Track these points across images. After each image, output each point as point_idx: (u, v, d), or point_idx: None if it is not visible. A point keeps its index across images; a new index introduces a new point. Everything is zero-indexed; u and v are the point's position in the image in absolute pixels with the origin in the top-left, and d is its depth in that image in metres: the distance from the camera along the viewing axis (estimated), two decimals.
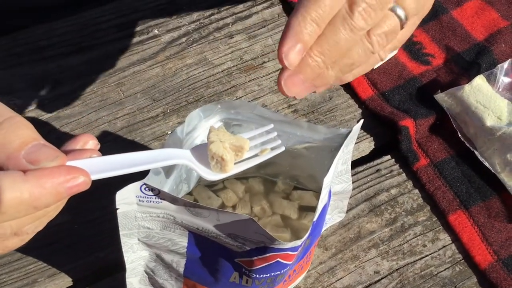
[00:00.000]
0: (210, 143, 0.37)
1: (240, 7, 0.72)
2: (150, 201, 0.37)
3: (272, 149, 0.40)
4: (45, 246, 0.53)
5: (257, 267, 0.40)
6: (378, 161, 0.61)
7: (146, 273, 0.45)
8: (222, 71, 0.66)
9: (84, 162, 0.32)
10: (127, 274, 0.45)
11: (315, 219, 0.39)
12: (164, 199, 0.37)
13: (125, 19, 0.70)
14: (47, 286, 0.52)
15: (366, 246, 0.55)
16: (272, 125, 0.42)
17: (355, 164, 0.61)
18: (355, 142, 0.61)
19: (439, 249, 0.55)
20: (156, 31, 0.69)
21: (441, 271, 0.54)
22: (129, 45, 0.68)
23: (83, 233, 0.54)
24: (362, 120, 0.44)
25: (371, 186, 0.59)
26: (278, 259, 0.39)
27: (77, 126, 0.61)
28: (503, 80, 0.64)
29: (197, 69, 0.67)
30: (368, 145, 0.62)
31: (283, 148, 0.41)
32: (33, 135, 0.31)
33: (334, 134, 0.43)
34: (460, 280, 0.54)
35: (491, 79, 0.64)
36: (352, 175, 0.59)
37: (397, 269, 0.54)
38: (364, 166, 0.60)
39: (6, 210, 0.30)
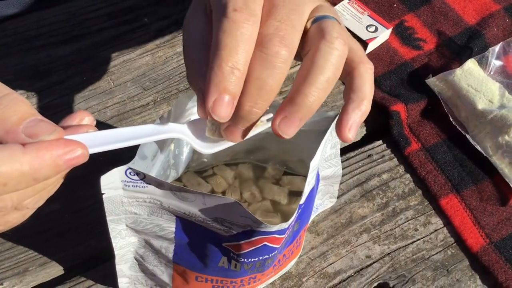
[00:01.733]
0: None
1: None
2: (136, 186, 0.37)
3: (267, 120, 0.40)
4: (36, 235, 0.53)
5: (245, 251, 0.39)
6: (370, 146, 0.61)
7: (136, 259, 0.45)
8: None
9: (81, 136, 0.32)
10: (117, 261, 0.45)
11: (301, 202, 0.39)
12: (149, 184, 0.37)
13: (114, 7, 0.70)
14: (38, 275, 0.52)
15: (358, 231, 0.55)
16: None
17: (347, 149, 0.60)
18: None
19: (431, 233, 0.55)
20: (146, 19, 0.69)
21: (433, 255, 0.54)
22: (119, 34, 0.67)
23: (74, 222, 0.54)
24: None
25: (363, 172, 0.59)
26: (266, 243, 0.39)
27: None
28: (495, 63, 0.63)
29: None
30: (360, 131, 0.62)
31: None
32: (31, 111, 0.31)
33: (321, 117, 0.43)
34: (452, 263, 0.54)
35: (483, 63, 0.63)
36: (343, 161, 0.59)
37: (388, 253, 0.54)
38: (356, 152, 0.60)
39: (7, 182, 0.30)
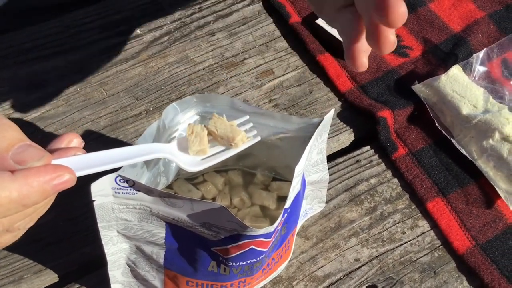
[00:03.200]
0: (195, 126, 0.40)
1: (221, 5, 0.73)
2: (126, 193, 0.38)
3: (254, 136, 0.42)
4: (31, 243, 0.54)
5: (233, 255, 0.41)
6: (358, 152, 0.62)
7: (128, 265, 0.46)
8: (203, 69, 0.67)
9: (69, 160, 0.34)
10: (109, 267, 0.46)
11: (286, 206, 0.40)
12: (139, 190, 0.38)
13: (107, 20, 0.71)
14: (34, 282, 0.53)
15: (347, 235, 0.56)
16: (247, 117, 0.43)
17: (335, 155, 0.62)
18: (335, 135, 0.63)
19: (418, 236, 0.56)
20: (138, 30, 0.70)
21: (420, 257, 0.55)
22: (111, 45, 0.69)
23: (68, 230, 0.55)
24: (333, 110, 0.45)
25: (351, 177, 0.60)
26: (252, 246, 0.40)
27: (61, 126, 0.62)
28: (479, 69, 0.65)
29: (179, 67, 0.68)
30: (348, 137, 0.63)
31: (258, 138, 0.42)
32: (19, 136, 0.33)
33: (307, 123, 0.44)
34: (439, 265, 0.55)
35: (467, 69, 0.65)
36: (332, 167, 0.60)
37: (377, 256, 0.55)
38: (344, 157, 0.61)
39: None
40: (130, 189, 0.38)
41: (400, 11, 0.32)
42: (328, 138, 0.62)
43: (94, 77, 0.66)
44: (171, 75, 0.67)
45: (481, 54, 0.65)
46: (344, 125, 0.64)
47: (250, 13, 0.72)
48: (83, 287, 0.52)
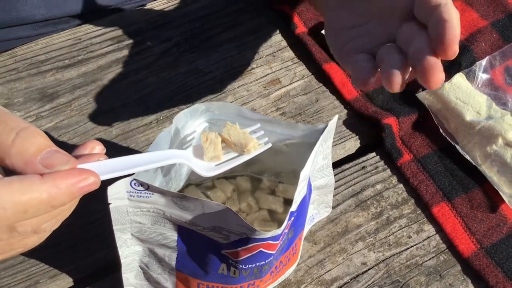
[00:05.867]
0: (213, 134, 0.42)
1: (229, 17, 0.75)
2: (140, 196, 0.40)
3: (265, 144, 0.44)
4: (47, 248, 0.56)
5: (242, 257, 0.42)
6: (364, 158, 0.63)
7: (141, 268, 0.48)
8: (212, 78, 0.69)
9: (93, 164, 0.36)
10: (123, 270, 0.47)
11: (293, 209, 0.41)
12: (153, 194, 0.39)
13: (118, 32, 0.73)
14: (49, 287, 0.54)
15: (353, 239, 0.57)
16: (258, 125, 0.45)
17: (342, 162, 0.63)
18: (341, 142, 0.64)
19: (424, 240, 0.58)
20: (149, 42, 0.72)
21: (426, 261, 0.56)
22: (123, 56, 0.71)
23: (83, 236, 0.57)
24: (337, 116, 0.46)
25: (358, 183, 0.61)
26: (261, 249, 0.41)
27: (75, 135, 0.64)
28: (482, 76, 0.66)
29: (189, 77, 0.69)
30: (354, 144, 0.65)
31: (270, 145, 0.44)
32: (47, 143, 0.35)
33: (311, 130, 0.46)
34: (444, 268, 0.56)
35: (470, 76, 0.66)
36: (338, 173, 0.62)
37: (383, 260, 0.56)
38: (350, 164, 0.63)
39: (27, 209, 0.33)
40: (145, 192, 0.39)
41: (438, 79, 0.39)
42: (334, 145, 0.64)
43: (106, 87, 0.68)
44: (181, 85, 0.69)
45: (484, 62, 0.67)
46: (350, 132, 0.65)
47: (256, 25, 0.74)
48: None
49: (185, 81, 0.69)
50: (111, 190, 0.39)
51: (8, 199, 0.33)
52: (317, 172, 0.50)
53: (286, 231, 0.44)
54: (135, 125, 0.65)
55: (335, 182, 0.59)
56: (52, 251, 0.56)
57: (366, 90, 0.42)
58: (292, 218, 0.43)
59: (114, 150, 0.63)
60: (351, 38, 0.47)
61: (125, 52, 0.71)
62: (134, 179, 0.38)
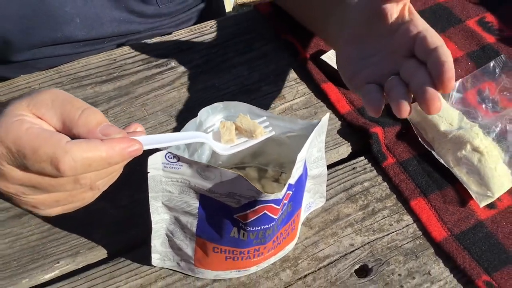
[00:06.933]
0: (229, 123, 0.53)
1: (242, 44, 0.88)
2: (172, 167, 0.51)
3: (270, 132, 0.55)
4: (86, 225, 0.67)
5: (250, 219, 0.53)
6: (354, 161, 0.74)
7: (167, 235, 0.59)
8: (226, 94, 0.81)
9: (137, 137, 0.47)
10: (152, 236, 0.58)
11: (291, 181, 0.52)
12: (182, 165, 0.51)
13: (148, 54, 0.86)
14: (87, 256, 0.65)
15: (343, 226, 0.68)
16: (265, 117, 0.57)
17: (336, 164, 0.74)
18: (336, 147, 0.76)
19: (403, 227, 0.68)
20: (173, 63, 0.85)
21: (404, 244, 0.66)
22: (151, 74, 0.83)
23: (117, 216, 0.68)
24: (328, 114, 0.58)
25: (348, 180, 0.72)
26: (265, 211, 0.52)
27: None
28: (456, 95, 0.78)
29: (206, 93, 0.82)
30: (346, 149, 0.76)
31: (273, 133, 0.55)
32: (104, 119, 0.47)
33: (308, 124, 0.57)
34: (420, 250, 0.66)
35: (446, 95, 0.78)
36: (332, 172, 0.73)
37: (368, 243, 0.66)
38: (343, 165, 0.74)
39: (91, 163, 0.44)
40: (176, 164, 0.51)
41: (438, 107, 0.50)
42: (329, 150, 0.75)
43: (137, 99, 0.80)
44: (199, 99, 0.81)
45: (457, 83, 0.78)
46: (343, 139, 0.77)
47: (266, 51, 0.87)
48: (127, 260, 0.64)
49: (202, 96, 0.81)
50: (150, 160, 0.50)
51: (78, 154, 0.44)
52: (312, 163, 0.61)
53: (286, 201, 0.54)
54: (160, 130, 0.77)
55: (330, 180, 0.71)
56: (90, 228, 0.67)
57: (377, 116, 0.53)
58: (291, 192, 0.54)
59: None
60: (360, 69, 0.58)
61: (153, 71, 0.84)
62: (168, 152, 0.50)
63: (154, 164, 0.51)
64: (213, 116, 0.58)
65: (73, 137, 0.46)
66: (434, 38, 0.52)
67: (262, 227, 0.54)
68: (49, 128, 0.46)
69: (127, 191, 0.69)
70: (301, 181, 0.57)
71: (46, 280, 0.63)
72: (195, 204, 0.54)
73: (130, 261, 0.64)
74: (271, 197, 0.51)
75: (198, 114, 0.57)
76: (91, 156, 0.44)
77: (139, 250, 0.65)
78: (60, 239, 0.66)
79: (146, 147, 0.47)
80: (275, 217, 0.54)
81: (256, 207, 0.52)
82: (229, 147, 0.53)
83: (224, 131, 0.53)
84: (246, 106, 0.58)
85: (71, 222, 0.67)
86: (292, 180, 0.53)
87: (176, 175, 0.52)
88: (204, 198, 0.54)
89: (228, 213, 0.54)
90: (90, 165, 0.45)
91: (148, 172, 0.51)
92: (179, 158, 0.50)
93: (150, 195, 0.54)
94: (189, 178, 0.52)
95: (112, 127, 0.47)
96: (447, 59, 0.50)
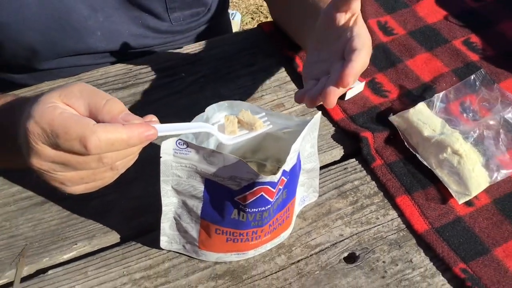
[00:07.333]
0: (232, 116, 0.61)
1: (247, 58, 0.96)
2: (182, 153, 0.59)
3: (268, 125, 0.63)
4: (102, 213, 0.74)
5: (249, 201, 0.60)
6: (346, 162, 0.82)
7: (175, 218, 0.66)
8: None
9: (153, 124, 0.55)
10: (162, 218, 0.65)
11: (285, 168, 0.60)
12: (190, 151, 0.58)
13: (160, 65, 0.95)
14: (102, 239, 0.72)
15: (334, 218, 0.75)
16: (264, 113, 0.65)
17: (329, 165, 0.82)
18: (329, 150, 0.83)
19: (388, 221, 0.75)
20: (183, 74, 0.93)
21: (389, 235, 0.73)
22: (163, 83, 0.92)
23: (129, 206, 0.75)
24: (320, 112, 0.65)
25: (340, 179, 0.80)
26: (262, 193, 0.59)
27: None
28: (439, 105, 0.85)
29: (212, 100, 0.88)
30: (339, 152, 0.83)
31: (270, 126, 0.63)
32: (124, 108, 0.55)
33: (302, 121, 0.65)
34: (403, 241, 0.73)
35: (431, 105, 0.86)
36: (325, 172, 0.80)
37: (356, 233, 0.73)
38: (336, 166, 0.81)
39: (113, 143, 0.52)
40: (185, 150, 0.58)
41: (330, 101, 0.59)
42: (324, 152, 0.83)
43: (150, 105, 0.88)
44: (206, 105, 0.88)
45: (441, 95, 0.86)
46: (336, 143, 0.84)
47: (268, 64, 0.95)
48: (138, 243, 0.71)
49: (209, 103, 0.88)
50: (163, 145, 0.58)
51: (103, 135, 0.52)
52: (306, 158, 0.68)
53: (281, 187, 0.62)
54: None
55: (323, 178, 0.78)
56: (105, 215, 0.74)
57: (311, 107, 0.64)
58: (285, 179, 0.62)
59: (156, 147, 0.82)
60: (312, 70, 0.68)
61: (165, 80, 0.92)
62: (179, 139, 0.57)
63: (166, 149, 0.58)
64: (218, 113, 0.66)
65: (98, 122, 0.54)
66: (357, 42, 0.60)
67: (260, 208, 0.61)
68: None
69: (139, 184, 0.76)
70: (295, 171, 0.64)
71: (64, 260, 0.70)
72: (200, 187, 0.62)
73: (140, 244, 0.71)
74: (267, 179, 0.58)
75: (205, 110, 0.64)
76: (114, 137, 0.52)
77: (148, 236, 0.72)
78: (77, 224, 0.73)
79: (160, 134, 0.55)
80: (271, 200, 0.61)
81: (254, 189, 0.59)
82: (232, 137, 0.61)
83: (228, 123, 0.61)
84: (248, 104, 0.66)
85: (88, 209, 0.74)
86: (286, 167, 0.60)
87: (185, 160, 0.59)
88: (208, 182, 0.61)
89: (229, 195, 0.61)
90: (112, 145, 0.52)
91: (161, 157, 0.59)
92: (188, 145, 0.58)
93: (161, 178, 0.61)
94: (196, 163, 0.59)
95: (132, 115, 0.55)
96: (355, 59, 0.58)
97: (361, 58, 0.58)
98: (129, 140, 0.53)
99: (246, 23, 2.46)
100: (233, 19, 2.26)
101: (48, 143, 0.52)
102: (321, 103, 0.60)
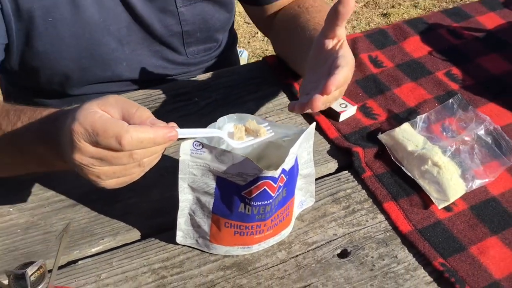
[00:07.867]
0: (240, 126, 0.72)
1: (253, 86, 1.09)
2: (197, 153, 0.70)
3: (270, 132, 0.74)
4: (125, 214, 0.84)
5: (254, 195, 0.70)
6: (339, 174, 0.92)
7: (189, 214, 0.76)
8: None
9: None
10: (179, 214, 0.76)
11: (285, 167, 0.70)
12: (204, 152, 0.69)
13: (175, 92, 1.07)
14: (125, 236, 0.82)
15: (329, 220, 0.85)
16: (267, 123, 0.76)
17: (325, 176, 0.92)
18: (325, 163, 0.94)
19: (377, 223, 0.85)
20: (196, 99, 1.06)
21: (377, 235, 0.83)
22: (178, 106, 1.04)
23: (147, 207, 0.86)
24: (314, 123, 0.77)
25: (334, 187, 0.90)
26: (265, 187, 0.70)
27: None
28: (422, 125, 0.97)
29: None
30: (333, 165, 0.94)
31: (273, 134, 0.74)
32: (151, 115, 0.66)
33: (299, 130, 0.76)
34: (389, 240, 0.82)
35: (414, 125, 0.97)
36: (321, 182, 0.91)
37: (348, 233, 0.83)
38: (330, 177, 0.92)
39: (142, 141, 0.63)
40: (200, 150, 0.69)
41: (315, 106, 0.69)
42: (320, 165, 0.94)
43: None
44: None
45: (423, 116, 0.98)
46: (331, 157, 0.95)
47: (271, 91, 1.08)
48: (157, 239, 0.81)
49: None
50: (182, 146, 0.69)
51: (134, 134, 0.63)
52: (303, 164, 0.79)
53: (281, 184, 0.72)
54: None
55: (319, 188, 0.89)
56: (128, 216, 0.84)
57: (300, 113, 0.74)
58: (285, 178, 0.72)
59: (171, 160, 0.93)
60: (305, 88, 0.79)
61: (180, 103, 1.05)
62: (196, 140, 0.69)
63: (185, 150, 0.69)
64: (228, 124, 0.77)
65: None
66: (341, 61, 0.72)
67: (263, 202, 0.72)
68: None
69: (157, 190, 0.87)
70: (293, 172, 0.75)
71: (92, 253, 0.81)
72: (212, 184, 0.72)
73: (158, 240, 0.81)
74: (269, 173, 0.69)
75: (217, 120, 0.76)
76: (143, 135, 0.63)
77: (165, 233, 0.82)
78: (104, 222, 0.84)
79: (180, 136, 0.66)
80: (272, 194, 0.71)
81: (258, 183, 0.69)
82: (240, 142, 0.72)
83: (236, 131, 0.72)
84: (253, 116, 0.77)
85: (113, 211, 0.85)
86: (286, 166, 0.71)
87: (200, 160, 0.70)
88: (219, 180, 0.72)
89: (237, 191, 0.71)
90: (142, 142, 0.63)
91: (180, 157, 0.70)
92: (203, 145, 0.69)
93: (179, 176, 0.72)
94: (209, 162, 0.70)
95: (158, 120, 0.66)
96: (338, 73, 0.70)
97: (344, 72, 0.70)
98: (155, 139, 0.64)
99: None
100: (241, 56, 2.42)
101: (89, 141, 0.63)
102: (309, 109, 0.71)
